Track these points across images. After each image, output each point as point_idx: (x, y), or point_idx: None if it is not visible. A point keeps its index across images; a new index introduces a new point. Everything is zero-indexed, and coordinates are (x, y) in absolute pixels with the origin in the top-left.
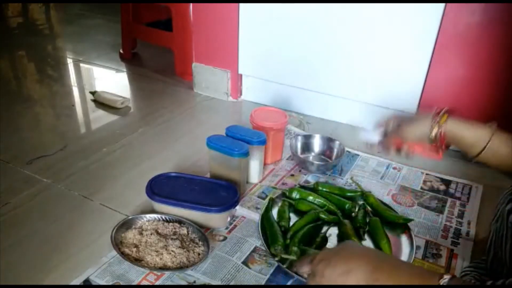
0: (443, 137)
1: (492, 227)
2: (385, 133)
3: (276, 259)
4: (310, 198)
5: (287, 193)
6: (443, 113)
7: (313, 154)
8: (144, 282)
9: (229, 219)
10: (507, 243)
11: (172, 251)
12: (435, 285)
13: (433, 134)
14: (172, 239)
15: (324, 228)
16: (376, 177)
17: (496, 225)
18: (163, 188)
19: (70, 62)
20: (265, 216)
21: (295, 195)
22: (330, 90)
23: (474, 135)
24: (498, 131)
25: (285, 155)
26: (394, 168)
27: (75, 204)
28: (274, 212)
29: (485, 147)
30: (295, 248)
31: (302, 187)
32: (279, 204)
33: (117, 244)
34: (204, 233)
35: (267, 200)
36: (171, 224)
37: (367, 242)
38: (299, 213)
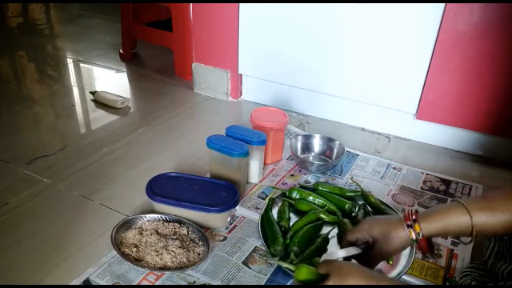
0: (425, 244)
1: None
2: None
3: (276, 259)
4: (310, 198)
5: (287, 193)
6: (412, 223)
7: (313, 154)
8: (144, 282)
9: (229, 219)
10: (506, 260)
11: (172, 251)
12: (437, 285)
13: (415, 240)
14: (172, 239)
15: (327, 230)
16: (376, 177)
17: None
18: (163, 188)
19: (70, 62)
20: (265, 216)
21: (295, 195)
22: (330, 90)
23: (455, 226)
24: (474, 210)
25: (285, 155)
26: (394, 168)
27: (75, 204)
28: (274, 212)
29: (472, 233)
30: (295, 248)
31: (302, 187)
32: (279, 204)
33: (117, 244)
34: (204, 233)
35: (267, 200)
36: (171, 224)
37: None
38: (299, 213)
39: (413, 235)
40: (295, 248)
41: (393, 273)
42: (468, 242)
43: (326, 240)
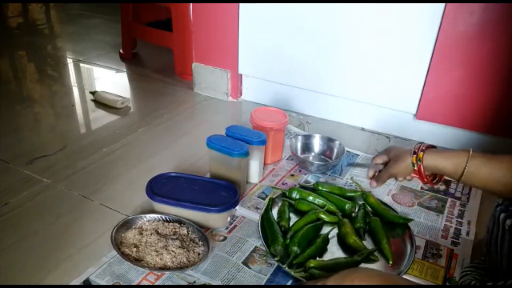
0: (423, 171)
1: (487, 227)
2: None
3: (276, 259)
4: (310, 198)
5: (287, 193)
6: (419, 151)
7: (313, 154)
8: (144, 282)
9: (229, 219)
10: (503, 247)
11: (172, 251)
12: (437, 285)
13: (416, 168)
14: (172, 239)
15: (327, 230)
16: None
17: (490, 225)
18: (163, 188)
19: (70, 62)
20: (265, 216)
21: (295, 195)
22: (330, 90)
23: (452, 164)
24: (475, 156)
25: (285, 155)
26: None
27: (75, 204)
28: (274, 212)
29: (463, 172)
30: (295, 248)
31: (302, 187)
32: (279, 204)
33: (117, 244)
34: (204, 233)
35: (267, 200)
36: (171, 224)
37: (368, 242)
38: (299, 213)
39: (414, 159)
40: (295, 248)
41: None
42: (457, 180)
43: (326, 240)
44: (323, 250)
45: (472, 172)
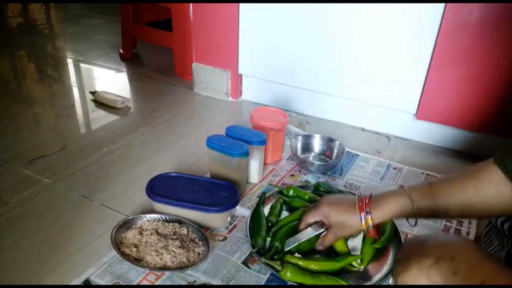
0: (374, 232)
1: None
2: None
3: (254, 250)
4: (306, 197)
5: (285, 191)
6: (366, 215)
7: (313, 154)
8: (144, 282)
9: (229, 219)
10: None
11: (172, 251)
12: (435, 285)
13: (366, 230)
14: (172, 239)
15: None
16: (376, 177)
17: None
18: (163, 188)
19: (70, 62)
20: (256, 211)
21: (292, 193)
22: (330, 90)
23: (402, 213)
24: (417, 199)
25: (285, 155)
26: (395, 168)
27: (75, 204)
28: (268, 208)
29: (416, 220)
30: (276, 243)
31: (301, 187)
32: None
33: (117, 244)
34: (204, 233)
35: (272, 196)
36: (171, 224)
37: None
38: (293, 211)
39: (365, 226)
40: (277, 244)
41: (379, 276)
42: (413, 224)
43: (310, 240)
44: (306, 249)
45: (424, 214)
